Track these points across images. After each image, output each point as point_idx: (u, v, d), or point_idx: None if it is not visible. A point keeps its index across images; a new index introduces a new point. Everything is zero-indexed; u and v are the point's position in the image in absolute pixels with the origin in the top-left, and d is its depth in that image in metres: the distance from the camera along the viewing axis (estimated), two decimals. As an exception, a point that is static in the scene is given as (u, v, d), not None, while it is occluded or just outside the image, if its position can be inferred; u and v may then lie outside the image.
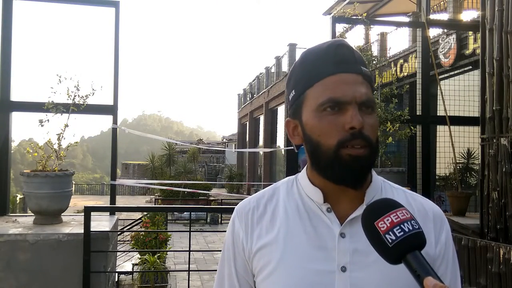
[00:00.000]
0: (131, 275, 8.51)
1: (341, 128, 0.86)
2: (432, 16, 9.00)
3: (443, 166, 5.65)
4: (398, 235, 0.71)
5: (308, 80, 0.91)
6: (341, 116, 0.87)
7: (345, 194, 0.92)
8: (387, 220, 0.73)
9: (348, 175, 0.88)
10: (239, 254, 0.99)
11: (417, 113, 5.12)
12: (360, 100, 0.87)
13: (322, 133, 0.89)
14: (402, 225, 0.72)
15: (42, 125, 3.49)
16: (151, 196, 24.49)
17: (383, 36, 13.20)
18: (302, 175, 1.00)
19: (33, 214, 3.51)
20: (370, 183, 0.95)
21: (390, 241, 0.72)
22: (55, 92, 3.55)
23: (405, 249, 0.71)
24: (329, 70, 0.89)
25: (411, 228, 0.72)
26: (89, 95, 3.64)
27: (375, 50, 12.24)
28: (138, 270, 8.09)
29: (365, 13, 5.61)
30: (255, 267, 0.96)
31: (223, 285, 1.03)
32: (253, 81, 26.32)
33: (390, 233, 0.72)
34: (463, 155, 7.20)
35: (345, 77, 0.88)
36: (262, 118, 23.41)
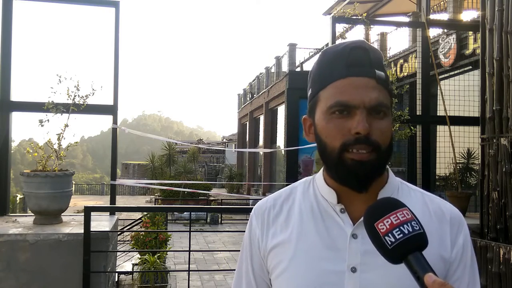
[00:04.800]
0: (131, 275, 8.52)
1: (346, 132, 0.87)
2: (432, 16, 9.01)
3: (443, 166, 5.64)
4: (398, 237, 0.72)
5: (321, 81, 0.93)
6: (348, 120, 0.87)
7: (358, 195, 0.91)
8: (387, 221, 0.74)
9: (351, 179, 0.88)
10: (256, 252, 1.02)
11: (417, 113, 5.12)
12: (369, 104, 0.87)
13: (328, 135, 0.90)
14: (401, 227, 0.72)
15: (42, 125, 3.49)
16: (151, 196, 24.52)
17: (383, 36, 13.22)
18: (319, 176, 1.01)
19: (33, 214, 3.50)
20: (385, 184, 0.95)
21: (389, 243, 0.72)
22: (55, 92, 3.55)
23: (405, 250, 0.71)
24: (341, 73, 0.89)
25: (411, 230, 0.72)
26: (89, 95, 3.64)
27: (375, 50, 12.24)
28: (138, 270, 8.09)
29: (365, 13, 5.60)
30: (269, 265, 0.99)
31: (241, 282, 1.06)
32: (253, 81, 26.29)
33: (390, 235, 0.72)
34: (463, 155, 7.19)
35: (356, 81, 0.88)
36: (262, 118, 23.39)
